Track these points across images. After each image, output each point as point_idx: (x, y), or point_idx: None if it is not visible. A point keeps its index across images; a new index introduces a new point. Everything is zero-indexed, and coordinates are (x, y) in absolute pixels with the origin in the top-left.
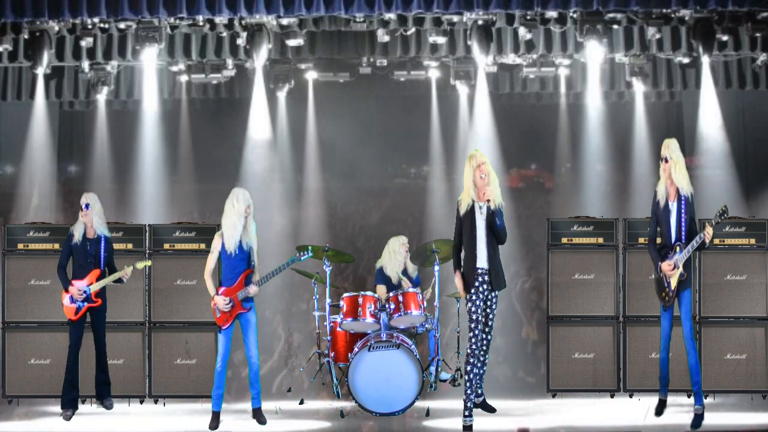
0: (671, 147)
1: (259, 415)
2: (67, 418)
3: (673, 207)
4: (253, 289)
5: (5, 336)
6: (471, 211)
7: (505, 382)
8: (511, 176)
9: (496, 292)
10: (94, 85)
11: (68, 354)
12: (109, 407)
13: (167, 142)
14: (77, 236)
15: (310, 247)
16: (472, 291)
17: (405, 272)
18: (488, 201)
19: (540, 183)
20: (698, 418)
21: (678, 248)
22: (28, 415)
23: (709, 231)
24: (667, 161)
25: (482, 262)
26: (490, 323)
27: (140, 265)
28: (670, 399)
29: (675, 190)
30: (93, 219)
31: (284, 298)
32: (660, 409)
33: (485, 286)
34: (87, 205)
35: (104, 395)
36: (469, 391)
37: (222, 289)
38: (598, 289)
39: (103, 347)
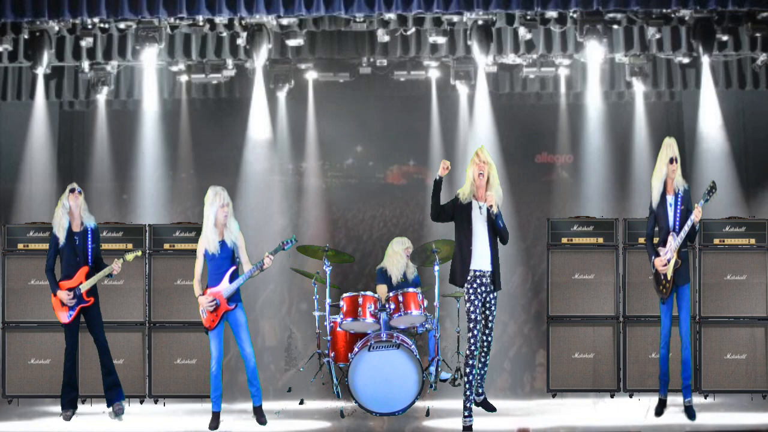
0: (676, 147)
1: (259, 414)
2: (67, 419)
3: (672, 201)
4: (267, 262)
5: (5, 336)
6: (469, 206)
7: (505, 382)
8: (393, 173)
9: (495, 294)
10: (94, 85)
11: (65, 357)
12: (118, 413)
13: (167, 142)
14: (62, 236)
15: (293, 236)
16: (471, 291)
17: (404, 273)
18: (490, 206)
19: (420, 179)
20: (692, 410)
21: (672, 237)
22: (28, 415)
23: (697, 212)
24: (674, 162)
25: (485, 263)
26: (489, 325)
27: (129, 257)
28: (670, 399)
29: (673, 187)
30: (81, 205)
31: (284, 298)
32: (660, 409)
33: (484, 288)
34: (78, 190)
35: (114, 399)
36: (468, 392)
37: (207, 290)
38: (598, 289)
39: (105, 345)
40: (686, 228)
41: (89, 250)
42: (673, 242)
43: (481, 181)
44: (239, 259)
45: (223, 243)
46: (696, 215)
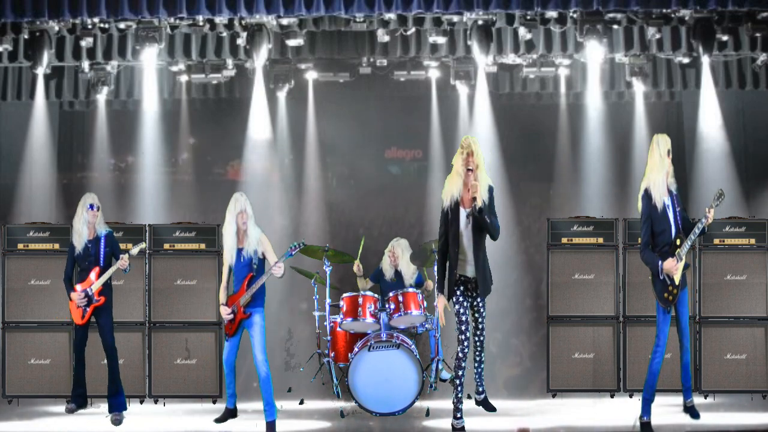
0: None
1: (271, 430)
2: (68, 411)
3: (669, 202)
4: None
5: (5, 336)
6: (456, 212)
7: (504, 382)
8: (233, 169)
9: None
10: (94, 85)
11: (73, 353)
12: (115, 423)
13: (167, 142)
14: (79, 246)
15: (303, 242)
16: (458, 294)
17: (399, 274)
18: (474, 200)
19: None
20: (694, 409)
21: (678, 240)
22: (28, 415)
23: (711, 215)
24: (670, 155)
25: (470, 270)
26: (480, 326)
27: (135, 250)
28: (670, 399)
29: (667, 185)
30: (98, 219)
31: (284, 298)
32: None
33: (469, 293)
34: (96, 207)
35: (114, 408)
36: (460, 395)
37: (228, 299)
38: (598, 289)
39: (110, 351)
40: (696, 231)
41: (101, 254)
42: (681, 247)
43: (468, 177)
44: (256, 265)
45: (240, 252)
46: (709, 218)
